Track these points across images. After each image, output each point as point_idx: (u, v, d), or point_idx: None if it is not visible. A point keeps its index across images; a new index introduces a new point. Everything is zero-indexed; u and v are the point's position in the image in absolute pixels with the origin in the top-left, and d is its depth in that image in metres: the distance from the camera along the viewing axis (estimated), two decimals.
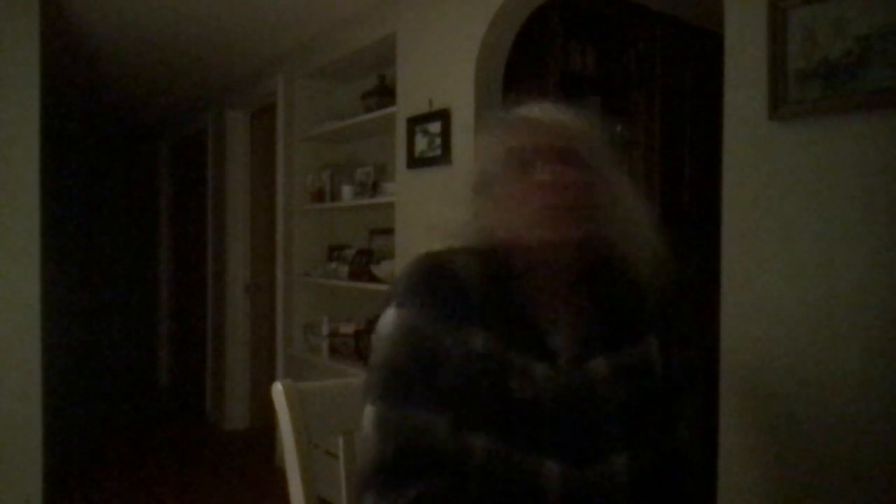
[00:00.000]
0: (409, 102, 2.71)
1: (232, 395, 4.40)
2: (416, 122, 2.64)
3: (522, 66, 2.57)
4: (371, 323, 2.97)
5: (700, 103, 2.96)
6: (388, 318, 0.90)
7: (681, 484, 0.96)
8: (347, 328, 3.23)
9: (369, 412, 0.87)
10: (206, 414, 4.69)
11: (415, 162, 2.65)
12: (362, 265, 3.10)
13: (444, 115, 2.51)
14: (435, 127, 2.55)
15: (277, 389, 1.07)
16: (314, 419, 1.08)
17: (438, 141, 2.53)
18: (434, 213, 1.02)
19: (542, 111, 0.95)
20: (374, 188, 3.12)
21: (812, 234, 1.44)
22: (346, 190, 3.21)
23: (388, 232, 3.09)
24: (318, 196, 3.43)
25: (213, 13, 3.05)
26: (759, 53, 1.51)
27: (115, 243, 6.28)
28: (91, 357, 5.86)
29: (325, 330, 3.28)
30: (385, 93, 3.02)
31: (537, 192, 0.88)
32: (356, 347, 3.08)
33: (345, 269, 3.19)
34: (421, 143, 2.62)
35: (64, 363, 4.46)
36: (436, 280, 0.90)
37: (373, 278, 2.95)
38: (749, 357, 1.56)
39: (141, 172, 6.15)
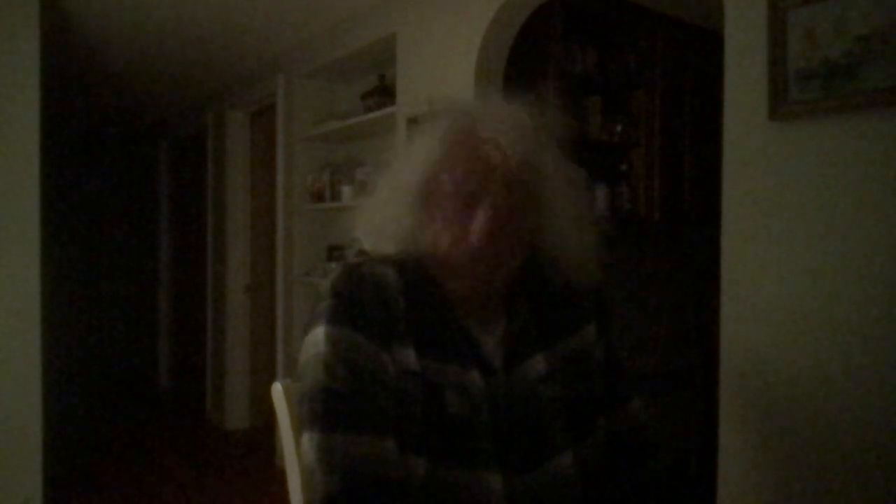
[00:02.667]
0: (409, 102, 2.71)
1: (232, 395, 4.39)
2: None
3: (522, 66, 2.57)
4: None
5: (700, 103, 2.96)
6: (318, 337, 0.83)
7: (635, 463, 0.96)
8: None
9: (309, 441, 0.79)
10: (207, 414, 4.69)
11: None
12: None
13: None
14: None
15: (277, 389, 1.07)
16: None
17: None
18: (370, 209, 0.96)
19: (497, 128, 0.87)
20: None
21: (812, 234, 1.43)
22: (346, 190, 3.21)
23: None
24: (318, 196, 3.43)
25: (212, 13, 3.05)
26: (759, 53, 1.51)
27: (115, 243, 6.28)
28: (91, 357, 5.86)
29: None
30: (385, 93, 3.02)
31: (475, 237, 0.85)
32: None
33: None
34: None
35: (64, 363, 4.46)
36: (363, 294, 0.85)
37: None
38: (749, 357, 1.56)
39: (141, 172, 6.14)
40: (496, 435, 0.84)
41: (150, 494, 3.24)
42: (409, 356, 0.84)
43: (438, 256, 0.88)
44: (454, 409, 0.83)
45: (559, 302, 0.96)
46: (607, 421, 0.94)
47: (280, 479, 3.31)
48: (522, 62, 2.56)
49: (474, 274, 0.87)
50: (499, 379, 0.87)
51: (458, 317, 0.89)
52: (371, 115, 3.02)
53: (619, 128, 2.84)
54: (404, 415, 0.81)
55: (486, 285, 0.89)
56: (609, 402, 0.96)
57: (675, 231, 3.29)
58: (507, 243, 0.87)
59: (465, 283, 0.89)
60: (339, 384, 0.80)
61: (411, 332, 0.85)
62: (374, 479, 0.77)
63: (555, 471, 0.86)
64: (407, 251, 0.90)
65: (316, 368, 0.82)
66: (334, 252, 3.52)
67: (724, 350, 1.60)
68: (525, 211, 0.87)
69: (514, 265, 0.90)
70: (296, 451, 1.04)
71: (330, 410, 0.80)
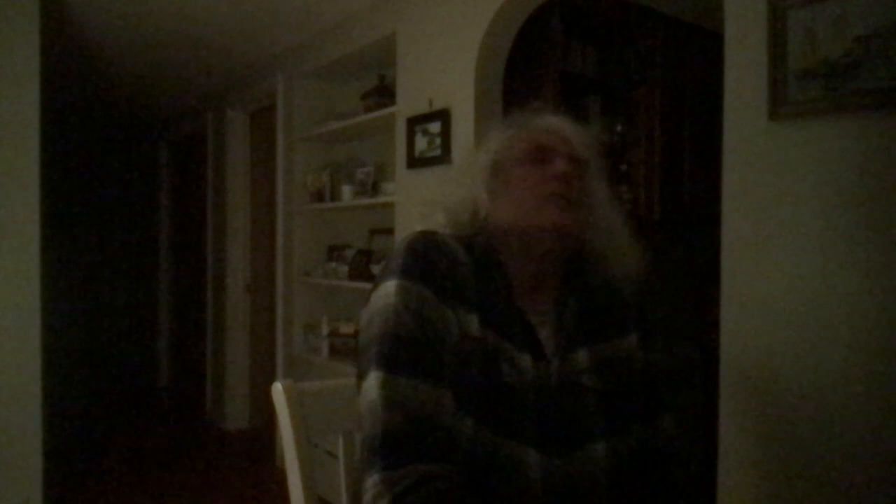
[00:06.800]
0: (409, 102, 2.71)
1: (232, 395, 4.40)
2: (416, 122, 2.64)
3: (522, 66, 2.57)
4: None
5: (700, 103, 2.96)
6: (389, 289, 0.87)
7: (662, 474, 0.99)
8: (347, 328, 3.23)
9: (374, 380, 0.83)
10: (206, 414, 4.69)
11: (415, 162, 2.65)
12: (362, 265, 3.10)
13: (444, 115, 2.51)
14: (435, 127, 2.55)
15: (277, 389, 1.07)
16: (314, 419, 1.08)
17: (438, 141, 2.53)
18: (436, 191, 1.04)
19: (560, 122, 1.01)
20: (374, 188, 3.12)
21: (812, 234, 1.44)
22: (346, 190, 3.21)
23: (388, 232, 3.09)
24: (318, 196, 3.43)
25: (212, 13, 3.05)
26: (759, 53, 1.51)
27: (115, 243, 6.27)
28: (91, 357, 5.85)
29: (325, 330, 3.28)
30: (385, 93, 3.03)
31: (551, 181, 0.93)
32: (356, 347, 3.08)
33: (345, 269, 3.19)
34: (421, 143, 2.62)
35: (64, 363, 4.45)
36: (436, 256, 0.90)
37: (373, 278, 2.94)
38: (749, 356, 1.56)
39: (141, 172, 6.14)
40: (539, 416, 0.88)
41: (149, 494, 3.24)
42: (473, 322, 0.89)
43: (510, 225, 0.94)
44: (509, 378, 0.88)
45: (603, 303, 1.01)
46: (642, 430, 0.97)
47: (280, 479, 3.31)
48: (522, 62, 2.56)
49: (542, 242, 0.93)
50: (550, 364, 0.92)
51: (518, 302, 0.94)
52: (371, 115, 3.02)
53: (619, 128, 2.84)
54: (461, 374, 0.85)
55: (548, 261, 0.96)
56: (646, 413, 0.99)
57: (675, 231, 3.29)
58: (577, 205, 0.94)
59: (528, 261, 0.95)
60: (407, 332, 0.85)
61: (476, 303, 0.90)
62: (431, 421, 0.81)
63: (588, 458, 0.89)
64: (476, 232, 0.96)
65: (385, 316, 0.86)
66: (334, 252, 3.52)
67: (724, 349, 1.61)
68: (584, 189, 0.96)
69: (572, 245, 0.96)
70: (296, 451, 1.04)
71: (396, 355, 0.84)
